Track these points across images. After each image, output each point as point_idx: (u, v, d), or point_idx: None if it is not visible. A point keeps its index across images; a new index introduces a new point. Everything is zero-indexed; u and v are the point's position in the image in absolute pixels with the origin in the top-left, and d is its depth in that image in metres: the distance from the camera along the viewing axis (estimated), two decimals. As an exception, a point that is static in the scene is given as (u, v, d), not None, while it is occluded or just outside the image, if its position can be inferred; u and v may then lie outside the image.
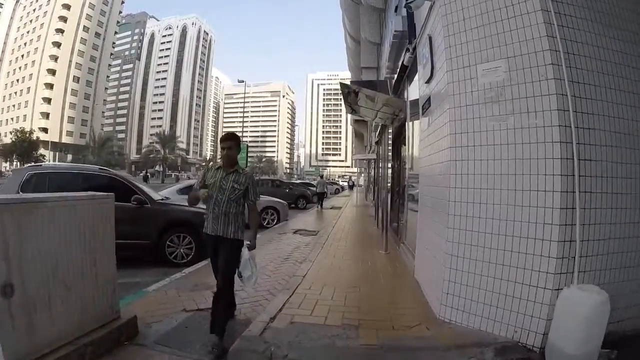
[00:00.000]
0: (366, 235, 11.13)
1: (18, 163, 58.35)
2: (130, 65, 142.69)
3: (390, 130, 11.18)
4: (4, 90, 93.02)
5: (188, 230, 7.48)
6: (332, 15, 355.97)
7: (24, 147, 48.48)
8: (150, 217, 7.32)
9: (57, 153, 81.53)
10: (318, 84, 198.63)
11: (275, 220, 13.22)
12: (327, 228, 12.02)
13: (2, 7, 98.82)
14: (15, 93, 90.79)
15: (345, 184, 66.06)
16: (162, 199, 8.17)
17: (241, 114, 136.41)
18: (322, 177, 26.78)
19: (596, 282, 3.42)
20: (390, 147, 11.63)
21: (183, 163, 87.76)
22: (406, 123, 7.96)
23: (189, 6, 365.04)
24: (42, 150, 77.81)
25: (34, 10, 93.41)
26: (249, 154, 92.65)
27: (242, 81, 47.90)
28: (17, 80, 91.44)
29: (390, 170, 11.77)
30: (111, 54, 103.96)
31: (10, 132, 57.22)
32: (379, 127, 15.15)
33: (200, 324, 4.02)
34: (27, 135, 50.57)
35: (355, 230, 12.15)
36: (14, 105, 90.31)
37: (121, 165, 78.02)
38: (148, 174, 56.25)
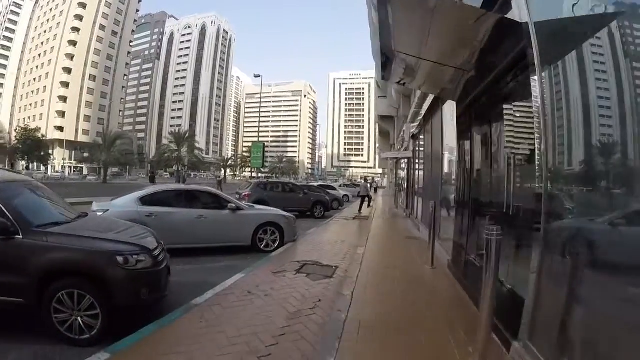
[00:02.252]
0: (423, 287, 6.28)
1: (26, 163, 56.44)
2: (150, 65, 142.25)
3: (453, 105, 7.07)
4: (21, 89, 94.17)
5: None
6: (353, 12, 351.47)
7: (28, 145, 45.75)
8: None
9: (73, 152, 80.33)
10: (340, 83, 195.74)
11: (277, 242, 9.29)
12: (350, 260, 7.77)
13: (21, 8, 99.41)
14: (32, 92, 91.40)
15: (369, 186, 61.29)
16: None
17: (262, 115, 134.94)
18: (365, 180, 23.59)
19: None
20: (454, 132, 7.18)
21: (200, 163, 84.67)
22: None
23: (209, 5, 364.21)
24: (57, 149, 77.02)
25: (51, 9, 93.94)
26: (270, 154, 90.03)
27: (259, 75, 43.96)
28: (34, 79, 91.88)
29: (450, 171, 7.70)
30: (128, 52, 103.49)
31: (15, 130, 55.19)
32: (423, 108, 11.03)
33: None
34: (32, 132, 47.74)
35: (401, 273, 7.03)
36: (30, 104, 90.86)
37: (132, 164, 75.50)
38: (155, 174, 53.10)
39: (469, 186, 6.15)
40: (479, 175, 5.84)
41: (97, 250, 4.28)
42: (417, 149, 14.04)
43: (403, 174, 21.17)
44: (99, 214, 7.86)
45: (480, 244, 4.34)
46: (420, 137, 13.74)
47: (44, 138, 51.23)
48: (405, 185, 19.06)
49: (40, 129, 54.68)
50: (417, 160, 14.64)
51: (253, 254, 8.72)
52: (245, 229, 9.05)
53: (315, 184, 29.19)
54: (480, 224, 5.25)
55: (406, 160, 19.45)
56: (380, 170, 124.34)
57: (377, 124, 45.86)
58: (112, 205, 8.37)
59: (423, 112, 10.95)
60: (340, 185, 35.31)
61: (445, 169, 8.74)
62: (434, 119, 10.24)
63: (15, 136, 48.35)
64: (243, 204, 9.81)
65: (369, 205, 21.77)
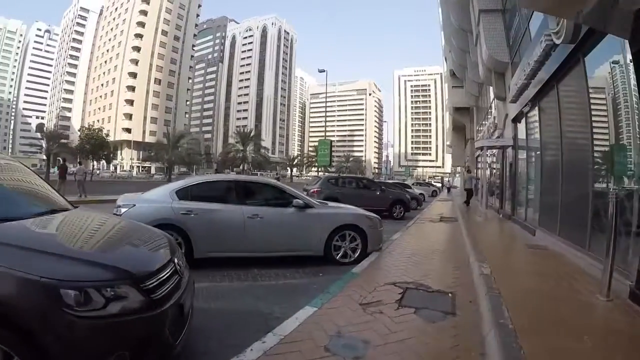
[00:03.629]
0: (622, 339, 3.43)
1: (94, 162, 58.40)
2: (214, 68, 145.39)
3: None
4: (90, 94, 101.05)
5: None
6: (415, 6, 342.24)
7: (91, 144, 46.93)
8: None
9: (140, 152, 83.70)
10: (405, 80, 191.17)
11: (359, 251, 7.07)
12: (467, 281, 5.23)
13: (86, 20, 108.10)
14: (100, 96, 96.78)
15: (440, 185, 57.08)
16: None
17: (327, 114, 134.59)
18: (469, 171, 20.91)
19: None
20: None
21: (266, 162, 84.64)
22: None
23: (269, 8, 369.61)
24: (125, 150, 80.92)
25: (114, 19, 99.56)
26: (336, 154, 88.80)
27: (323, 70, 42.05)
28: (102, 85, 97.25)
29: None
30: (192, 56, 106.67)
31: (78, 130, 57.56)
32: (545, 69, 8.26)
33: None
34: (95, 132, 49.05)
35: (570, 311, 4.07)
36: (99, 108, 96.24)
37: (197, 163, 76.72)
38: (191, 172, 52.67)
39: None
40: None
41: (26, 277, 2.05)
42: (528, 133, 11.11)
43: (495, 167, 17.96)
44: (122, 210, 6.21)
45: None
46: (530, 118, 10.95)
47: (107, 137, 52.60)
48: (501, 181, 16.00)
49: (103, 128, 56.46)
50: (524, 149, 11.79)
51: (326, 266, 6.49)
52: (316, 234, 6.73)
53: (390, 182, 26.68)
54: None
55: (495, 152, 16.42)
56: (448, 170, 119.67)
57: (451, 117, 42.56)
58: (141, 200, 6.54)
59: (546, 75, 8.23)
60: (412, 184, 32.54)
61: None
62: (565, 82, 7.59)
63: (80, 136, 49.92)
64: (314, 200, 7.41)
65: (467, 203, 19.39)
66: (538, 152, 9.85)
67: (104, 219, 3.64)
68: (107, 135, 54.28)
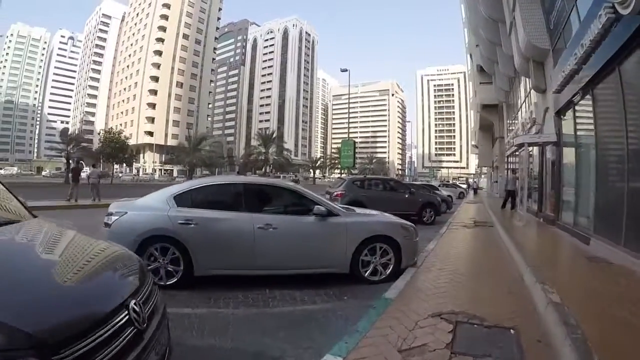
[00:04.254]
0: None
1: (116, 166, 58.57)
2: (236, 71, 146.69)
3: None
4: (113, 99, 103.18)
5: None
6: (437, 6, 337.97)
7: (112, 147, 46.77)
8: None
9: (163, 155, 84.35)
10: (428, 80, 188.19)
11: (391, 267, 5.91)
12: (530, 309, 4.02)
13: (108, 26, 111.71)
14: (123, 101, 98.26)
15: (465, 186, 54.82)
16: None
17: (350, 115, 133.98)
18: (514, 171, 19.36)
19: None
20: None
21: (288, 164, 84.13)
22: None
23: (290, 10, 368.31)
24: (148, 153, 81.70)
25: (135, 24, 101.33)
26: (359, 155, 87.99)
27: (346, 70, 40.97)
28: (124, 89, 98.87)
29: None
30: (213, 59, 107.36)
31: (98, 134, 57.78)
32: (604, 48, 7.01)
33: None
34: (117, 135, 48.96)
35: None
36: (122, 112, 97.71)
37: (218, 166, 76.55)
38: (245, 175, 52.17)
39: None
40: None
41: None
42: (577, 126, 9.70)
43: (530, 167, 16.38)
44: (113, 219, 5.28)
45: None
46: (580, 109, 9.62)
47: (127, 139, 52.49)
48: (540, 181, 14.45)
49: (123, 131, 56.61)
50: (571, 145, 10.42)
51: (353, 286, 5.37)
52: (341, 247, 5.55)
53: (417, 183, 25.33)
54: None
55: (532, 149, 14.93)
56: (473, 170, 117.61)
57: (478, 115, 40.98)
58: (134, 207, 5.56)
59: (604, 57, 6.97)
60: (439, 185, 31.07)
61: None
62: (630, 64, 6.35)
63: (100, 139, 49.96)
64: (337, 206, 6.18)
65: (512, 206, 17.67)
66: (591, 148, 8.54)
67: (46, 237, 2.56)
68: (128, 138, 54.19)
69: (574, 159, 9.92)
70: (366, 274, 5.66)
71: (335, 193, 13.38)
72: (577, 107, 9.68)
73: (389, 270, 5.76)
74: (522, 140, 11.55)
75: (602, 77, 7.57)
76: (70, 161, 34.37)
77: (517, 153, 18.54)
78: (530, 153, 15.68)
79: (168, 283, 5.05)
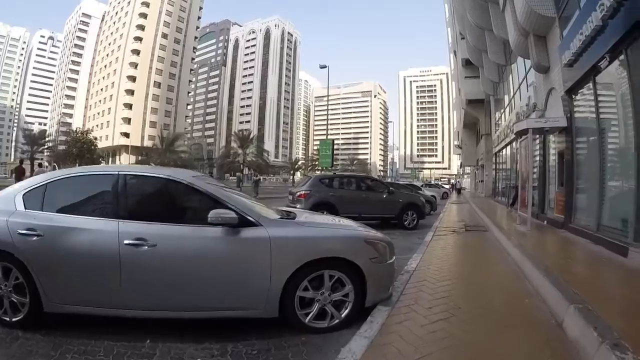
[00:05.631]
0: None
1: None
2: (217, 72, 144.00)
3: None
4: (91, 100, 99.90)
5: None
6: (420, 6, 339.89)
7: (78, 147, 44.13)
8: None
9: (139, 157, 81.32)
10: (410, 81, 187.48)
11: (349, 307, 3.39)
12: None
13: (88, 26, 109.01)
14: (100, 101, 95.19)
15: (449, 186, 53.34)
16: None
17: (332, 117, 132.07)
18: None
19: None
20: None
21: (267, 166, 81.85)
22: None
23: (272, 11, 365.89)
24: (124, 155, 78.78)
25: (114, 22, 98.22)
26: (341, 157, 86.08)
27: (325, 66, 39.13)
28: (102, 89, 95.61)
29: None
30: (192, 58, 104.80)
31: (65, 133, 55.23)
32: None
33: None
34: (83, 135, 46.31)
35: None
36: (98, 113, 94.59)
37: (193, 167, 74.10)
38: (241, 178, 49.55)
39: None
40: None
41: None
42: (600, 104, 7.54)
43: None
44: None
45: None
46: (604, 80, 7.54)
47: (95, 140, 49.80)
48: (541, 177, 12.38)
49: (90, 131, 53.59)
50: (589, 131, 8.32)
51: (287, 335, 3.28)
52: (261, 275, 3.31)
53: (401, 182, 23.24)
54: None
55: (530, 139, 12.79)
56: (455, 171, 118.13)
57: (462, 112, 39.51)
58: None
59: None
60: (422, 186, 29.11)
61: None
62: None
63: (67, 139, 47.23)
64: (274, 213, 3.98)
65: (512, 203, 15.22)
66: (628, 129, 6.44)
67: None
68: (96, 138, 51.36)
69: (596, 148, 7.80)
70: (307, 319, 3.47)
71: (299, 193, 11.18)
72: (598, 79, 7.58)
73: (346, 312, 3.58)
74: (527, 126, 9.47)
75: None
76: (20, 161, 32.03)
77: (514, 145, 16.55)
78: (524, 145, 13.62)
79: (14, 320, 3.33)
